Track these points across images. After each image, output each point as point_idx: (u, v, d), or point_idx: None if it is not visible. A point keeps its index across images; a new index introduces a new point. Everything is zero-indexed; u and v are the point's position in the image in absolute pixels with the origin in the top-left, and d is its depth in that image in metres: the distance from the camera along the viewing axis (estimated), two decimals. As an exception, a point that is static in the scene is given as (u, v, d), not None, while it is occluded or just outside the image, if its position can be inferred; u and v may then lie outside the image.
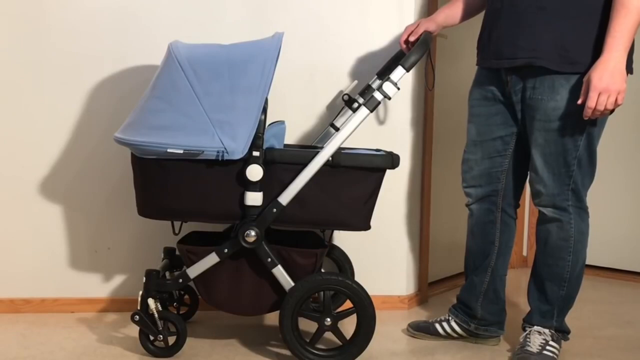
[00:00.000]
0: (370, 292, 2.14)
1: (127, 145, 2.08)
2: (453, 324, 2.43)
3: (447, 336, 2.44)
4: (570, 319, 2.31)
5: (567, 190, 2.15)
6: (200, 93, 2.01)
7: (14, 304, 2.62)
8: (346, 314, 2.16)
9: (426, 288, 2.97)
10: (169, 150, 2.02)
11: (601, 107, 1.96)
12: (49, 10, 2.56)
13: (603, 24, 2.00)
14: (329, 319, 2.13)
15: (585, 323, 2.68)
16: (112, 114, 2.59)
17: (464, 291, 2.43)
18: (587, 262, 2.28)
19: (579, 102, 2.00)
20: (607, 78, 1.93)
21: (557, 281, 2.22)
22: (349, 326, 2.17)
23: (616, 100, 1.95)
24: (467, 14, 2.42)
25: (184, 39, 2.20)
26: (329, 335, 2.15)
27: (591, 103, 1.95)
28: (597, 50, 2.01)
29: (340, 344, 2.16)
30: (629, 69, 2.06)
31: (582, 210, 2.20)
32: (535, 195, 2.21)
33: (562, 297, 2.24)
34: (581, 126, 2.08)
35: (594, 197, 3.31)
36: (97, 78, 2.60)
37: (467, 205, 2.41)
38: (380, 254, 2.79)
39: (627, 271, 3.42)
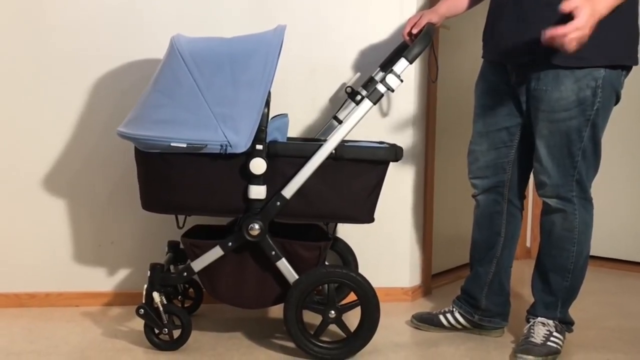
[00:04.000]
0: (373, 285, 2.14)
1: (130, 140, 2.08)
2: (457, 315, 2.43)
3: (451, 327, 2.44)
4: (573, 310, 2.31)
5: (572, 181, 2.15)
6: (203, 87, 2.01)
7: (19, 299, 2.63)
8: (350, 306, 2.16)
9: (429, 280, 2.97)
10: (172, 144, 2.02)
11: (572, 39, 1.83)
12: (50, 7, 2.56)
13: (609, 19, 1.97)
14: (333, 312, 2.14)
15: (589, 314, 2.68)
16: (114, 108, 2.59)
17: (468, 282, 2.43)
18: (591, 252, 2.28)
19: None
20: (592, 22, 1.84)
21: (561, 272, 2.23)
22: (353, 319, 2.17)
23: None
24: (469, 4, 2.42)
25: (185, 32, 2.20)
26: (333, 327, 2.15)
27: (569, 29, 1.82)
28: (603, 44, 2.00)
29: (345, 336, 2.16)
30: (632, 62, 2.09)
31: (587, 201, 2.20)
32: (539, 186, 2.21)
33: (566, 288, 2.24)
34: (586, 117, 2.08)
35: (597, 187, 3.30)
36: (99, 73, 2.60)
37: (473, 196, 2.41)
38: (384, 246, 2.79)
39: (630, 262, 3.42)
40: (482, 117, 2.32)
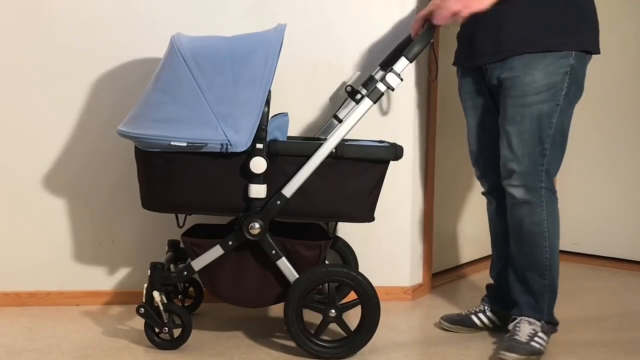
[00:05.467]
0: (374, 283, 2.14)
1: (130, 138, 2.08)
2: (489, 314, 2.41)
3: (484, 327, 2.41)
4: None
5: (541, 170, 2.16)
6: (204, 86, 2.01)
7: (20, 298, 2.63)
8: (351, 305, 2.16)
9: (430, 279, 2.97)
10: (172, 143, 2.02)
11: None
12: (49, 6, 2.56)
13: (567, 9, 2.10)
14: (333, 311, 2.14)
15: (590, 313, 2.68)
16: (114, 107, 2.59)
17: (499, 279, 2.41)
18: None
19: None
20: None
21: (539, 270, 2.21)
22: (353, 318, 2.17)
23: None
24: None
25: (185, 31, 2.20)
26: (333, 326, 2.16)
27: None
28: (571, 30, 2.10)
29: (345, 335, 2.16)
30: (594, 49, 2.17)
31: (553, 193, 2.21)
32: (506, 175, 2.20)
33: (546, 287, 2.22)
34: (556, 102, 2.12)
35: (599, 186, 3.30)
36: (99, 71, 2.60)
37: (483, 194, 2.43)
38: (384, 245, 2.79)
39: (632, 261, 3.41)
40: (472, 118, 2.36)
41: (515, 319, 2.25)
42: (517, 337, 2.17)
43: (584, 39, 2.14)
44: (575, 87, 2.15)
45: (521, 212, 2.20)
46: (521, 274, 2.24)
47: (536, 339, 2.17)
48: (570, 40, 2.11)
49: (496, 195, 2.37)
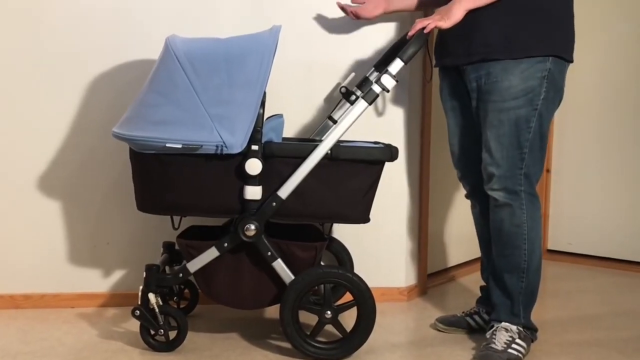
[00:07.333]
0: (369, 285, 2.14)
1: (125, 141, 2.08)
2: (484, 315, 2.41)
3: (479, 328, 2.41)
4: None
5: (520, 174, 2.17)
6: (199, 87, 2.01)
7: (14, 300, 2.63)
8: (346, 306, 2.16)
9: (425, 280, 2.97)
10: (167, 144, 2.01)
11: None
12: (46, 6, 2.55)
13: (541, 15, 2.11)
14: (329, 312, 2.14)
15: (585, 312, 2.69)
16: (109, 109, 2.59)
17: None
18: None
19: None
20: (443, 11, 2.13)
21: (516, 272, 2.21)
22: (349, 319, 2.17)
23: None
24: (418, 6, 2.51)
25: (180, 33, 2.19)
26: (329, 327, 2.16)
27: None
28: (539, 36, 2.11)
29: (341, 336, 2.17)
30: (570, 57, 2.18)
31: (534, 197, 2.21)
32: (487, 179, 2.22)
33: (524, 290, 2.21)
34: (533, 106, 2.13)
35: (594, 187, 3.31)
36: (94, 73, 2.59)
37: (466, 197, 2.42)
38: (379, 246, 2.79)
39: (626, 261, 3.42)
40: (452, 119, 2.37)
41: (492, 326, 2.25)
42: (493, 346, 2.16)
43: (558, 45, 2.14)
44: (553, 92, 2.16)
45: (502, 213, 2.21)
46: (499, 276, 2.24)
47: (514, 346, 2.16)
48: (543, 45, 2.11)
49: (478, 198, 2.37)
